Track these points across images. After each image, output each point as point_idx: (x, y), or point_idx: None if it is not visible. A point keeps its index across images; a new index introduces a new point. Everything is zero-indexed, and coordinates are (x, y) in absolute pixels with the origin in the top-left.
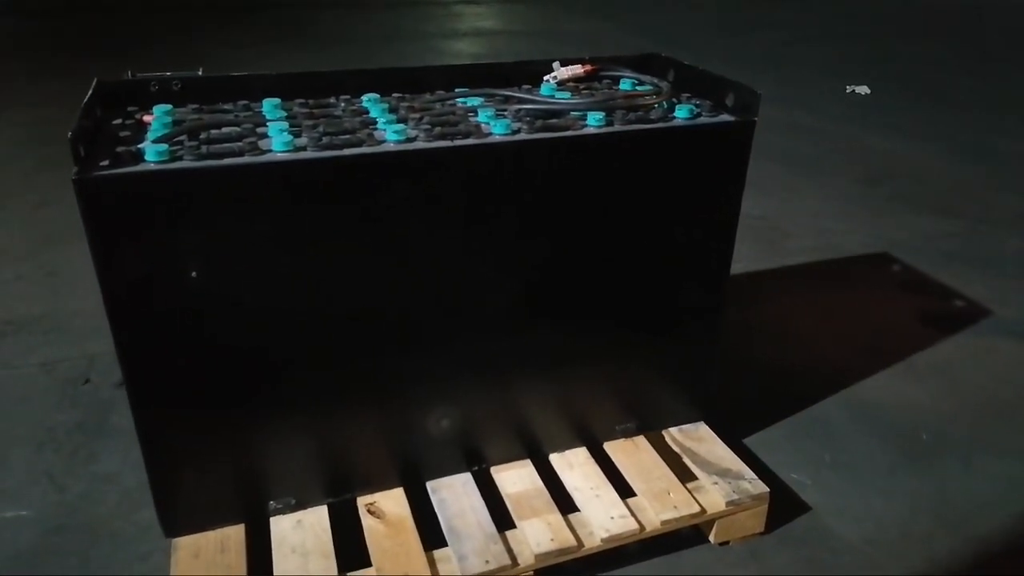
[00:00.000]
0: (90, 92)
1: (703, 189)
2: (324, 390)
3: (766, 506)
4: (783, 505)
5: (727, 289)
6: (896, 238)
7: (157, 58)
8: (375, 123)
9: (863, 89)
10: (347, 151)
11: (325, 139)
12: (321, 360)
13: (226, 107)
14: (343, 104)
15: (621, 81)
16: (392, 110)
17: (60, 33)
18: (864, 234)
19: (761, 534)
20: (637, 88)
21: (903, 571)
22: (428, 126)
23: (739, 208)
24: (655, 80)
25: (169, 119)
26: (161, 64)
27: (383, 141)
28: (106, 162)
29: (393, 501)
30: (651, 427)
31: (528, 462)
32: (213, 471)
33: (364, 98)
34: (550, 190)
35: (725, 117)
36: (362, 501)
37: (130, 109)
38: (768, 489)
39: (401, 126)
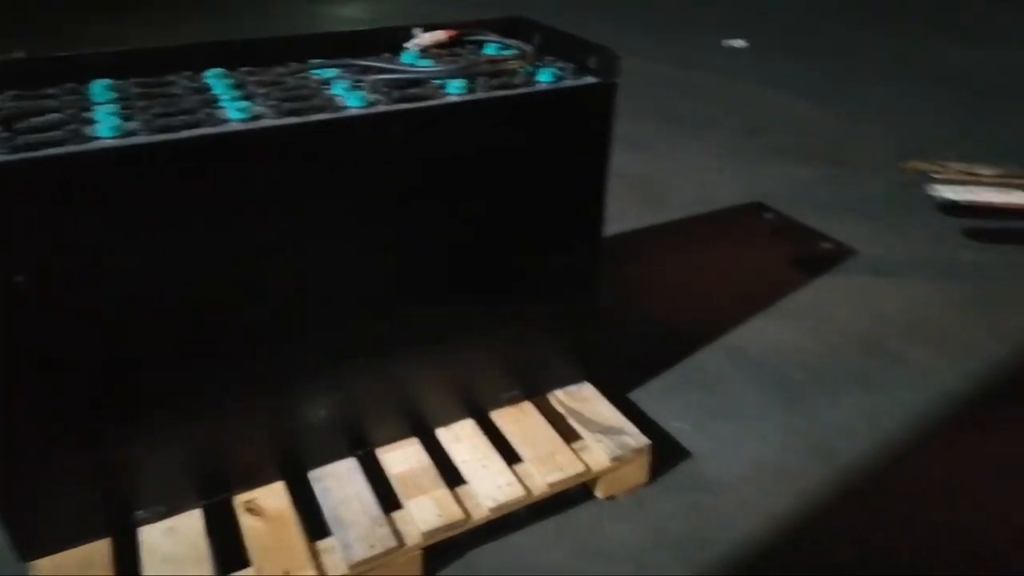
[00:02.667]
0: None
1: (571, 151)
2: (186, 388)
3: (648, 458)
4: (666, 454)
5: (603, 248)
6: (771, 187)
7: None
8: (218, 101)
9: (739, 42)
10: (183, 133)
11: (160, 121)
12: (179, 357)
13: (51, 92)
14: (184, 82)
15: (485, 46)
16: (238, 86)
17: None
18: (741, 185)
19: (646, 484)
20: (502, 53)
21: (777, 505)
22: (276, 102)
23: (608, 168)
24: (519, 44)
25: None
26: None
27: (226, 120)
28: None
29: (274, 496)
30: (536, 392)
31: (415, 440)
32: (70, 485)
33: (207, 74)
34: (413, 162)
35: (588, 79)
36: (240, 500)
37: None
38: (649, 441)
39: (246, 103)
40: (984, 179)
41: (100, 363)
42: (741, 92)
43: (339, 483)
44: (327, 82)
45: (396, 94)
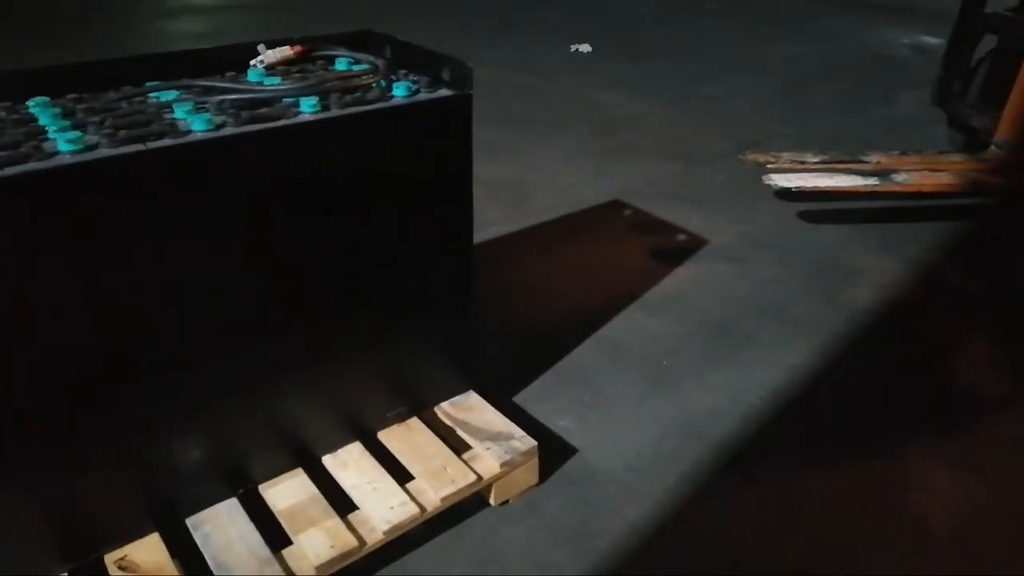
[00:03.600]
0: None
1: (432, 163)
2: (39, 436)
3: (536, 459)
4: (553, 453)
5: (475, 255)
6: (626, 184)
7: None
8: (44, 133)
9: (585, 47)
10: (8, 170)
11: None
12: (28, 403)
13: None
14: (2, 114)
15: (336, 61)
16: (66, 115)
17: None
18: (598, 184)
19: (537, 485)
20: (353, 68)
21: (660, 490)
22: (111, 130)
23: (470, 177)
24: (371, 58)
25: None
26: None
27: (55, 153)
28: None
29: (148, 550)
30: (422, 406)
31: (299, 471)
32: None
33: (31, 103)
34: (271, 184)
35: (443, 91)
36: (110, 558)
37: None
38: (536, 443)
39: (77, 133)
40: (811, 165)
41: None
42: (591, 95)
43: (220, 527)
44: (168, 106)
45: (245, 115)
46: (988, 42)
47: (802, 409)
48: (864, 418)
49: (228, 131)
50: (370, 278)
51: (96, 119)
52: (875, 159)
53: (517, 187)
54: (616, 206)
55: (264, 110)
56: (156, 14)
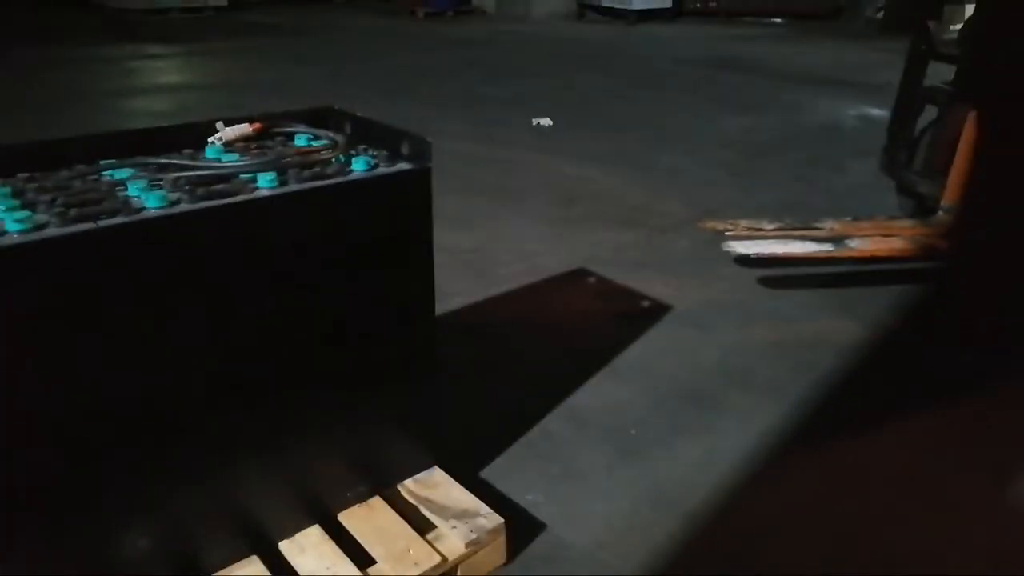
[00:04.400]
0: None
1: (391, 236)
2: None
3: (503, 537)
4: (522, 529)
5: (438, 327)
6: (589, 253)
7: None
8: None
9: (546, 121)
10: None
11: None
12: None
13: None
14: None
15: (296, 137)
16: (16, 194)
17: None
18: (563, 253)
19: (505, 564)
20: (312, 144)
21: (633, 565)
22: (62, 208)
23: (431, 250)
24: (330, 134)
25: None
26: None
27: (2, 233)
28: None
29: None
30: (385, 484)
31: (254, 558)
32: None
33: None
34: (226, 262)
35: (402, 165)
36: None
37: None
38: (502, 520)
39: (26, 213)
40: (768, 232)
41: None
42: (552, 166)
43: None
44: (121, 183)
45: (200, 191)
46: (930, 113)
47: (774, 476)
48: (831, 484)
49: (182, 208)
50: (329, 352)
51: (47, 198)
52: (829, 225)
53: (481, 257)
54: (580, 274)
55: (221, 186)
56: (120, 93)
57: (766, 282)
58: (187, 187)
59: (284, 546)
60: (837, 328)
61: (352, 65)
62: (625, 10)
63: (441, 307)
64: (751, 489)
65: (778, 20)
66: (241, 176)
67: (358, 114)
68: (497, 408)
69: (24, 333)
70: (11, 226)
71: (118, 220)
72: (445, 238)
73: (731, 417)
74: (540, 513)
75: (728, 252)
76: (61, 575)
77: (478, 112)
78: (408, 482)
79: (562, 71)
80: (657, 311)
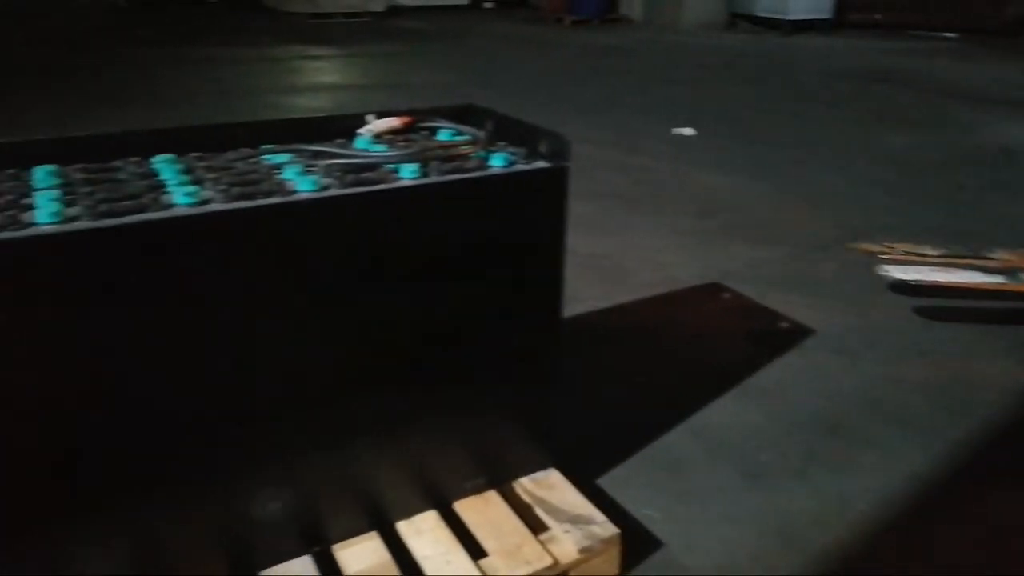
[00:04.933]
0: None
1: (525, 234)
2: (121, 481)
3: (618, 549)
4: (636, 543)
5: (564, 330)
6: (726, 267)
7: None
8: (164, 186)
9: (688, 131)
10: (127, 218)
11: (103, 207)
12: (114, 448)
13: None
14: (131, 168)
15: (440, 132)
16: (186, 172)
17: None
18: (697, 266)
19: None
20: (455, 138)
21: None
22: (225, 186)
23: (563, 251)
24: (472, 130)
25: None
26: None
27: (171, 205)
28: None
29: None
30: (501, 480)
31: (374, 535)
32: None
33: (155, 160)
34: (365, 246)
35: (540, 163)
36: None
37: None
38: (618, 531)
39: (194, 188)
40: (930, 259)
41: (35, 452)
42: (691, 176)
43: None
44: (278, 167)
45: (349, 178)
46: None
47: (914, 525)
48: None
49: (331, 192)
50: (455, 345)
51: (213, 176)
52: (1001, 256)
53: (612, 263)
54: (715, 288)
55: (367, 174)
56: (283, 91)
57: (923, 312)
58: (337, 173)
59: (402, 526)
60: (1001, 370)
61: (495, 69)
62: (780, 20)
63: (568, 310)
64: (888, 536)
65: (951, 35)
66: (386, 166)
67: (500, 112)
68: (618, 417)
69: (183, 301)
70: (180, 199)
71: (274, 200)
72: (577, 242)
73: (872, 455)
74: (657, 530)
75: (882, 277)
76: (210, 523)
77: (618, 119)
78: (524, 480)
79: (708, 81)
80: (796, 334)
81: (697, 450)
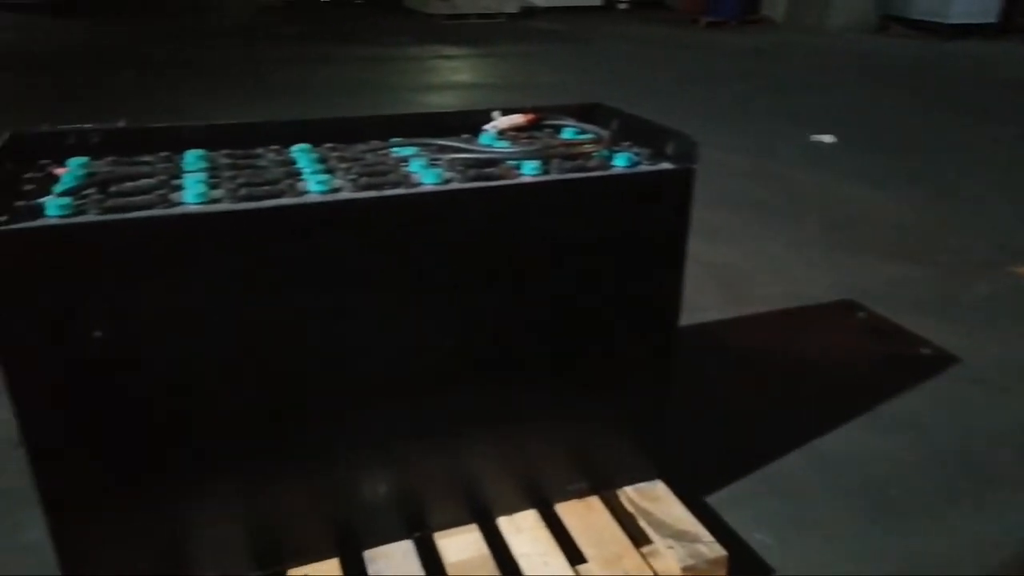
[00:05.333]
0: None
1: (645, 236)
2: (248, 454)
3: (725, 571)
4: (745, 568)
5: (680, 338)
6: (862, 285)
7: (134, 108)
8: (300, 174)
9: (828, 138)
10: (263, 203)
11: (243, 191)
12: (243, 423)
13: (146, 159)
14: (271, 155)
15: (563, 130)
16: (321, 160)
17: (37, 87)
18: (831, 281)
19: None
20: (578, 137)
21: None
22: (355, 176)
23: (684, 256)
24: (597, 129)
25: (83, 172)
26: (133, 114)
27: (305, 192)
28: (3, 218)
29: (327, 572)
30: (605, 486)
31: (474, 527)
32: (126, 542)
33: (294, 148)
34: (484, 240)
35: (665, 165)
36: (292, 574)
37: (43, 162)
38: (726, 552)
39: (326, 176)
40: None
41: (165, 423)
42: (828, 186)
43: (393, 566)
44: (405, 160)
45: (471, 173)
46: None
47: None
48: None
49: (453, 186)
50: (566, 345)
51: (344, 166)
52: None
53: (737, 273)
54: (848, 307)
55: (490, 170)
56: (417, 88)
57: None
58: (460, 167)
59: (502, 522)
60: None
61: (625, 71)
62: (939, 23)
63: (686, 319)
64: None
65: None
66: (508, 162)
67: (625, 111)
68: (733, 435)
69: (309, 284)
70: (313, 187)
71: (397, 191)
72: (700, 248)
73: (1016, 497)
74: (769, 557)
75: None
76: (320, 501)
77: (753, 124)
78: (629, 489)
79: (853, 87)
80: (938, 361)
81: (819, 478)
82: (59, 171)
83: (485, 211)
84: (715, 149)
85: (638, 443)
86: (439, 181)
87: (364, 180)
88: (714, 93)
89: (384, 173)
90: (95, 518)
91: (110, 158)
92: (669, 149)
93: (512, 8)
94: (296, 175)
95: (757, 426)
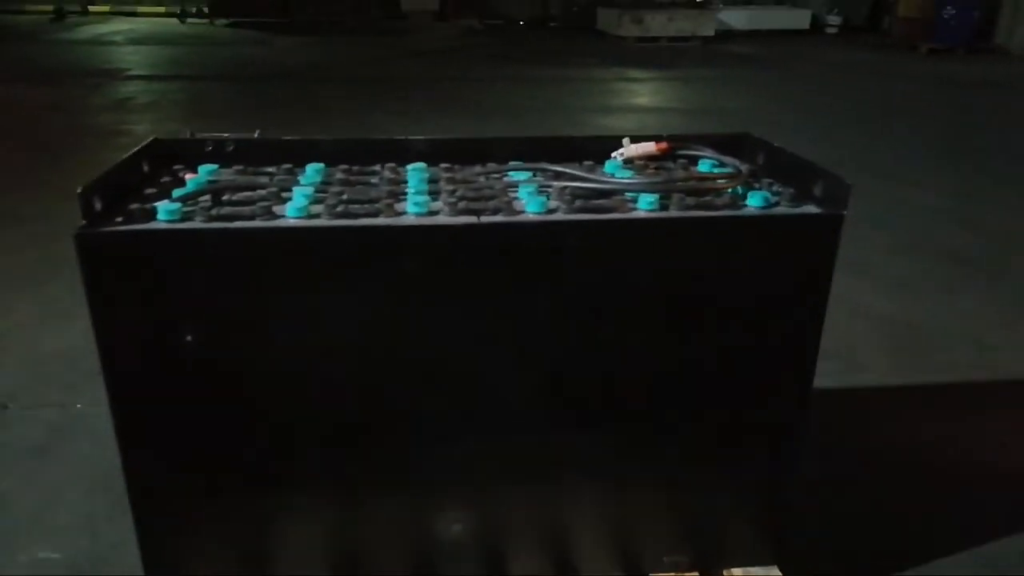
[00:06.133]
0: (136, 149)
1: (777, 287)
2: (330, 468)
3: None
4: None
5: (810, 406)
6: None
7: (323, 122)
8: (403, 194)
9: None
10: (350, 221)
11: (341, 207)
12: (322, 438)
13: (269, 171)
14: (387, 173)
15: (700, 162)
16: (431, 181)
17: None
18: None
19: None
20: (715, 171)
21: None
22: (456, 200)
23: (823, 311)
24: (736, 162)
25: (206, 180)
26: (324, 127)
27: (402, 213)
28: (120, 218)
29: None
30: (709, 563)
31: None
32: (205, 540)
33: (410, 167)
34: (587, 276)
35: (808, 208)
36: None
37: (176, 167)
38: None
39: (425, 198)
40: None
41: (247, 430)
42: None
43: None
44: (515, 185)
45: (579, 203)
46: None
47: None
48: None
49: (554, 216)
50: (677, 400)
51: (450, 188)
52: None
53: (919, 333)
54: None
55: (600, 201)
56: (593, 110)
57: None
58: (567, 197)
59: None
60: None
61: (824, 100)
62: None
63: (843, 379)
64: None
65: None
66: (625, 194)
67: (775, 144)
68: (880, 526)
69: (406, 308)
70: (411, 208)
71: (493, 219)
72: (875, 300)
73: None
74: None
75: None
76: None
77: (962, 165)
78: (738, 571)
79: None
80: None
81: None
82: (188, 177)
83: (587, 245)
84: (912, 188)
85: (755, 520)
86: (542, 210)
87: (463, 204)
88: (924, 127)
89: (488, 198)
90: (175, 512)
91: (237, 167)
92: (817, 190)
93: (708, 31)
94: (399, 195)
95: (914, 522)
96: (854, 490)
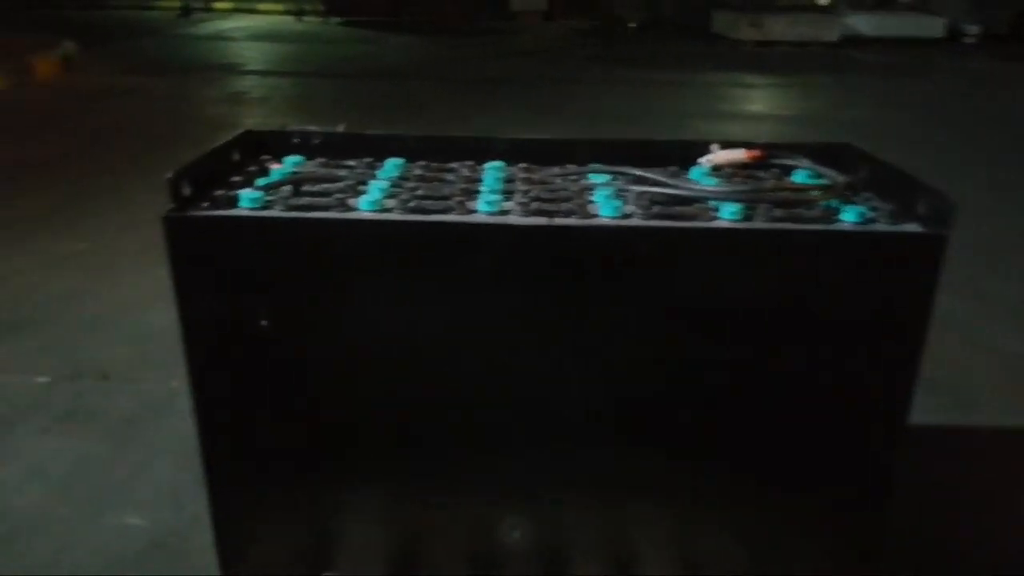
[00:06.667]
0: (229, 138)
1: (869, 310)
2: (392, 462)
3: None
4: None
5: (903, 443)
6: None
7: (426, 119)
8: (477, 192)
9: None
10: (419, 217)
11: (413, 203)
12: (388, 432)
13: (350, 164)
14: (463, 171)
15: (795, 172)
16: (506, 181)
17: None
18: None
19: None
20: (810, 182)
21: None
22: (529, 200)
23: (922, 341)
24: (833, 174)
25: (290, 170)
26: (426, 124)
27: (473, 211)
28: (206, 204)
29: None
30: None
31: None
32: (272, 527)
33: (487, 166)
34: (661, 287)
35: (908, 227)
36: None
37: (263, 158)
38: None
39: (497, 197)
40: None
41: (316, 420)
42: None
43: None
44: (592, 188)
45: (657, 209)
46: None
47: None
48: None
49: (628, 222)
50: (748, 425)
51: (524, 188)
52: None
53: None
54: None
55: (679, 208)
56: (699, 115)
57: None
58: (645, 203)
59: None
60: None
61: (956, 115)
62: None
63: (957, 416)
64: None
65: None
66: (708, 202)
67: (877, 157)
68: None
69: (477, 308)
70: (482, 207)
71: (562, 221)
72: (1005, 337)
73: None
74: None
75: None
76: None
77: None
78: None
79: None
80: None
81: None
82: (274, 167)
83: (660, 254)
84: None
85: (830, 563)
86: (616, 215)
87: (536, 205)
88: None
89: (561, 200)
90: (247, 499)
91: (321, 159)
92: (920, 208)
93: (831, 36)
94: (472, 193)
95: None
96: (943, 534)
